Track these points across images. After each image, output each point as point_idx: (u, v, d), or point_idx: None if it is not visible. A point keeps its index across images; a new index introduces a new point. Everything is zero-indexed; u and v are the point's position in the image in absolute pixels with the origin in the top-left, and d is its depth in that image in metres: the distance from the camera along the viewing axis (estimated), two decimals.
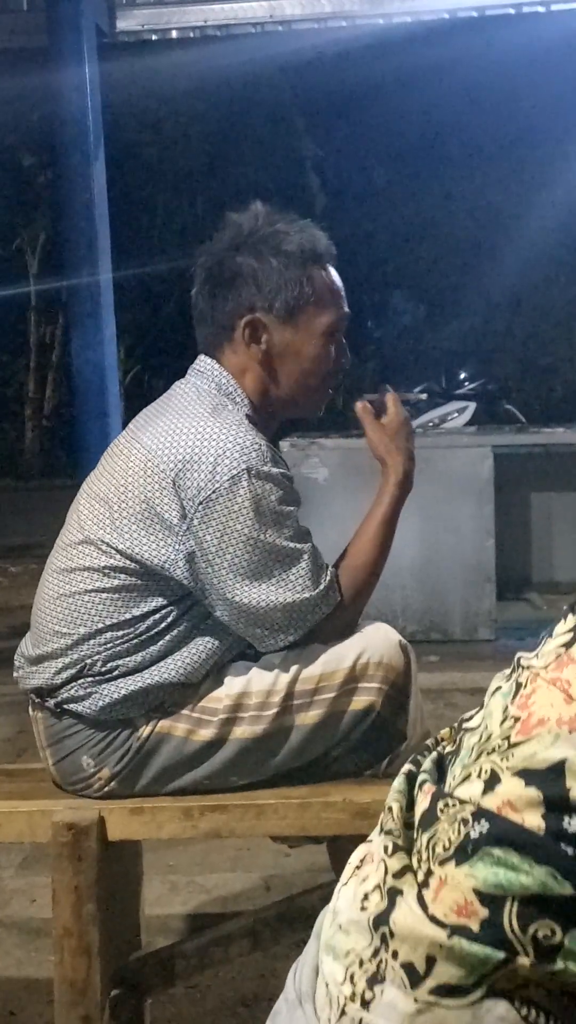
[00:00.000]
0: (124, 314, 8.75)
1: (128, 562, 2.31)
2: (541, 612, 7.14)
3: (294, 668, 2.35)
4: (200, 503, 2.25)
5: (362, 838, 2.14)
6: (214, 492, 2.24)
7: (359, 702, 2.35)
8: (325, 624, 2.35)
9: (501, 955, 1.03)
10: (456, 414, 10.51)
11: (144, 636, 2.32)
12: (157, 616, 2.33)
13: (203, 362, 2.47)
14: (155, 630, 2.33)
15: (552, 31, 7.97)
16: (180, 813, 2.32)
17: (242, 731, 2.34)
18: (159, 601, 2.33)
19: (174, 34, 7.87)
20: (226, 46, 8.13)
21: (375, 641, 2.39)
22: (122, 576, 2.32)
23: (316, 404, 2.56)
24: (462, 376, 11.39)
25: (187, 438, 2.30)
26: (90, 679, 2.33)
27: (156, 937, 2.91)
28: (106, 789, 2.36)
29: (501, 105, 15.92)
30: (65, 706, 2.36)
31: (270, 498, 2.28)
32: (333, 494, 6.62)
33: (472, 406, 10.69)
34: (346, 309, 2.52)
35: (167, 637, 2.33)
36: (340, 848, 2.33)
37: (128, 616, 2.33)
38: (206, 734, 2.34)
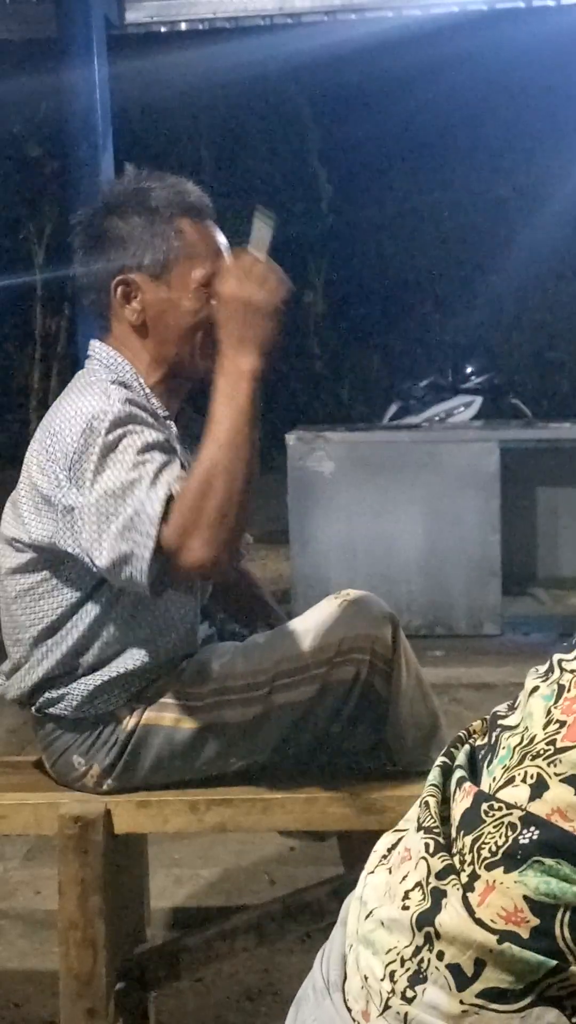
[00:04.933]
0: None
1: (38, 554, 2.30)
2: (546, 607, 7.14)
3: (281, 648, 2.34)
4: (65, 469, 2.19)
5: (369, 833, 2.15)
6: (74, 453, 2.17)
7: (347, 672, 2.33)
8: (171, 534, 2.08)
9: (553, 963, 1.02)
10: (462, 408, 10.49)
11: (89, 628, 2.31)
12: (88, 605, 2.31)
13: (92, 347, 2.43)
14: (94, 620, 2.31)
15: (562, 25, 7.93)
16: (186, 807, 2.32)
17: (232, 714, 2.33)
18: (83, 591, 2.31)
19: (183, 26, 7.84)
20: (235, 39, 8.11)
21: (364, 613, 2.37)
22: (42, 571, 2.31)
23: (209, 362, 2.32)
24: (469, 370, 11.36)
25: (53, 416, 2.30)
26: (58, 680, 2.33)
27: (161, 930, 2.92)
28: (104, 786, 2.36)
29: (510, 99, 15.87)
30: (45, 710, 2.37)
31: (117, 434, 2.16)
32: (338, 487, 6.62)
33: (479, 400, 10.67)
34: (224, 261, 2.38)
35: (112, 625, 2.31)
36: (352, 842, 2.32)
37: (62, 611, 2.32)
38: (195, 721, 2.33)
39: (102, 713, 2.33)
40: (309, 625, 2.36)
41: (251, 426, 2.17)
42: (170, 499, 2.10)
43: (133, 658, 2.31)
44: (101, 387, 2.28)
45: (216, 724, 2.33)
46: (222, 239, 2.43)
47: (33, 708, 2.39)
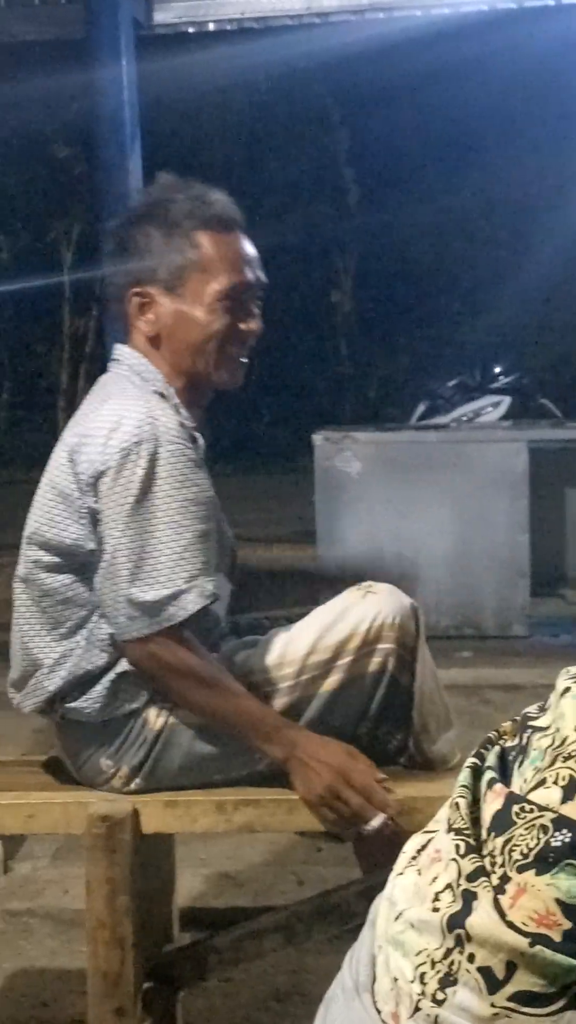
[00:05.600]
0: None
1: (60, 556, 2.32)
2: (575, 608, 7.11)
3: (306, 640, 2.34)
4: (92, 477, 2.24)
5: (393, 835, 2.14)
6: (104, 465, 2.23)
7: (375, 663, 2.32)
8: (141, 644, 2.24)
9: None
10: (491, 408, 10.47)
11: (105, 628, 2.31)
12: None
13: (116, 350, 2.45)
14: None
15: None
16: (213, 807, 2.32)
17: None
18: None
19: (211, 27, 7.85)
20: (263, 39, 8.12)
21: (389, 603, 2.35)
22: (65, 573, 2.33)
23: (227, 374, 2.42)
24: (497, 370, 11.34)
25: (85, 418, 2.33)
26: (79, 683, 2.32)
27: (188, 930, 2.91)
28: (132, 786, 2.35)
29: (539, 98, 15.82)
30: (69, 716, 2.37)
31: (164, 471, 2.22)
32: (366, 487, 6.61)
33: (507, 400, 10.65)
34: (249, 275, 2.41)
35: None
36: (367, 847, 2.31)
37: (84, 612, 2.33)
38: None
39: (128, 712, 2.33)
40: (334, 616, 2.35)
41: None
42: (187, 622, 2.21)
43: None
44: (143, 399, 2.30)
45: None
46: (248, 251, 2.42)
47: (57, 715, 2.39)
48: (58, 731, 2.44)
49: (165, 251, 2.36)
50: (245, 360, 2.45)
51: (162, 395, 2.35)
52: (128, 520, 2.22)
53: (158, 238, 2.37)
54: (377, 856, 2.23)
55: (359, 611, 2.34)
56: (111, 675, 2.31)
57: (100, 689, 2.31)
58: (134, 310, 2.40)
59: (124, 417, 2.25)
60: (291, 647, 2.34)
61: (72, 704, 2.34)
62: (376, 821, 2.20)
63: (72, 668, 2.32)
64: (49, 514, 2.32)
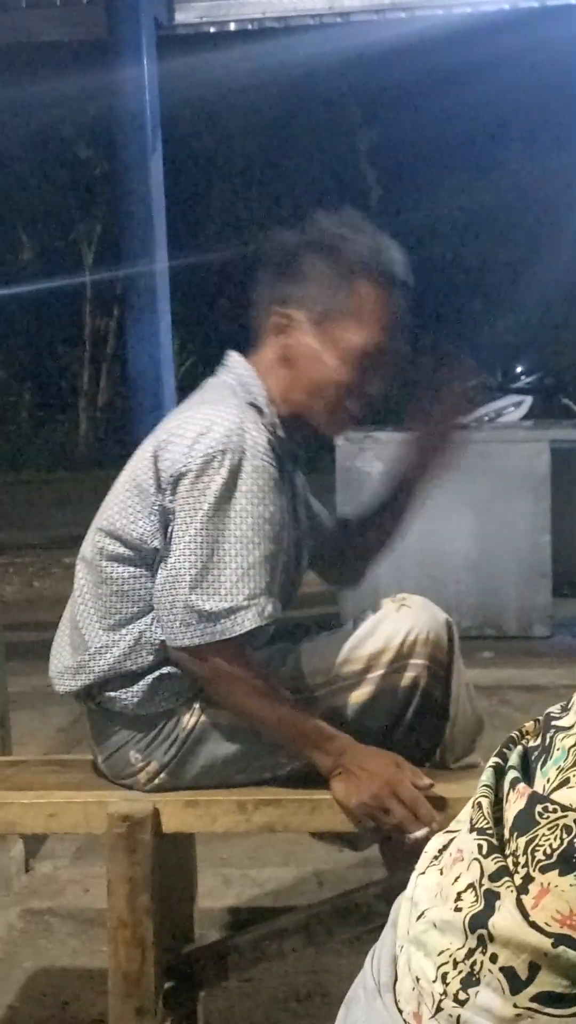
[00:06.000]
0: (179, 306, 8.77)
1: (122, 547, 2.32)
2: None
3: (340, 651, 2.33)
4: (172, 476, 2.24)
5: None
6: (185, 467, 2.23)
7: (407, 678, 2.32)
8: (193, 655, 2.24)
9: None
10: (512, 408, 10.42)
11: (158, 633, 2.31)
12: None
13: (228, 357, 2.44)
14: None
15: None
16: (234, 806, 2.31)
17: None
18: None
19: (232, 26, 7.87)
20: (284, 38, 8.13)
21: (423, 618, 2.34)
22: (134, 566, 2.33)
23: (330, 423, 2.42)
24: (519, 370, 11.35)
25: (179, 417, 2.33)
26: (122, 675, 2.33)
27: (209, 930, 2.91)
28: (155, 782, 2.35)
29: (561, 97, 15.78)
30: (106, 706, 2.37)
31: (244, 486, 2.22)
32: None
33: (529, 400, 10.60)
34: (394, 342, 2.39)
35: None
36: (392, 846, 2.31)
37: (141, 606, 2.33)
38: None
39: (164, 710, 2.33)
40: (369, 629, 2.35)
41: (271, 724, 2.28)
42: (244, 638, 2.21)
43: None
44: (239, 410, 2.28)
45: None
46: (403, 317, 2.40)
47: (94, 702, 2.39)
48: (90, 717, 2.44)
49: (325, 286, 2.33)
50: (355, 418, 2.43)
51: (260, 410, 2.33)
52: (200, 527, 2.21)
53: (323, 271, 2.33)
54: (405, 858, 2.23)
55: (392, 624, 2.34)
56: (155, 674, 2.31)
57: (141, 685, 2.31)
58: (271, 328, 2.38)
59: (215, 423, 2.24)
60: (324, 657, 2.34)
61: (111, 694, 2.34)
62: (419, 833, 2.19)
63: (116, 663, 2.32)
64: (123, 504, 2.32)
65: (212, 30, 7.97)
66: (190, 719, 2.33)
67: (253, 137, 19.14)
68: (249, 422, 2.26)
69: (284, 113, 18.48)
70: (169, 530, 2.26)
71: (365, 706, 2.32)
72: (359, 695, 2.32)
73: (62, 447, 22.74)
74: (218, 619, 2.19)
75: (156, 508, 2.28)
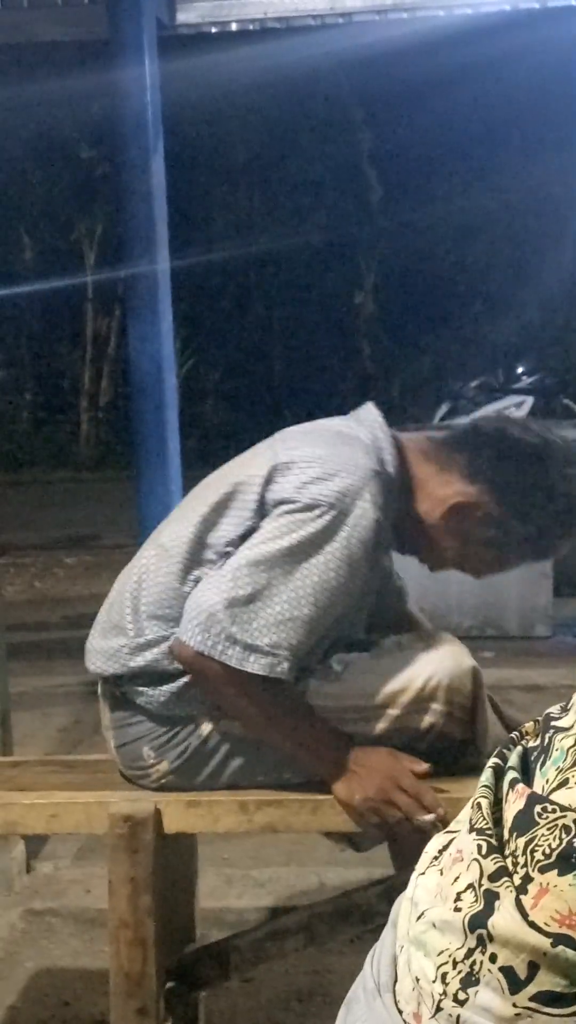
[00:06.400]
0: (181, 306, 8.78)
1: (198, 547, 2.30)
2: None
3: (361, 679, 2.32)
4: (275, 501, 2.23)
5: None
6: (291, 498, 2.21)
7: (425, 721, 2.31)
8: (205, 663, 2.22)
9: None
10: (513, 408, 10.45)
11: None
12: None
13: (367, 410, 2.40)
14: None
15: None
16: (236, 807, 2.32)
17: None
18: None
19: (234, 27, 7.86)
20: (286, 39, 8.13)
21: (447, 664, 2.32)
22: (194, 567, 2.31)
23: (430, 555, 2.47)
24: (520, 370, 11.35)
25: (307, 446, 2.30)
26: (156, 673, 2.32)
27: (211, 930, 2.92)
28: (163, 782, 2.36)
29: (562, 98, 15.78)
30: (131, 697, 2.36)
31: (329, 547, 2.20)
32: None
33: (530, 400, 10.64)
34: (519, 558, 2.42)
35: None
36: (401, 843, 2.31)
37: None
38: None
39: (184, 714, 2.33)
40: (392, 665, 2.33)
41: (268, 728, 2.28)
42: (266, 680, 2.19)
43: None
44: (367, 472, 2.25)
45: None
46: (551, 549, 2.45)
47: (119, 690, 2.38)
48: (111, 703, 2.42)
49: (515, 500, 2.32)
50: (431, 568, 2.49)
51: (390, 475, 2.30)
52: (269, 557, 2.19)
53: (533, 496, 2.32)
54: (413, 853, 2.22)
55: (416, 666, 2.32)
56: (187, 678, 2.30)
57: (171, 687, 2.31)
58: (448, 482, 2.36)
59: (339, 475, 2.22)
60: (344, 684, 2.33)
61: (139, 688, 2.34)
62: (427, 818, 2.20)
63: (154, 660, 2.30)
64: (217, 506, 2.30)
65: (214, 30, 7.96)
66: (207, 728, 2.33)
67: (254, 137, 19.14)
68: (370, 491, 2.23)
69: (285, 113, 18.48)
70: (244, 541, 2.25)
71: (377, 738, 2.31)
72: (372, 728, 2.30)
73: (63, 447, 22.76)
74: (233, 644, 2.17)
75: (247, 522, 2.26)
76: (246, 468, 2.33)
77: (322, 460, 2.25)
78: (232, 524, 2.28)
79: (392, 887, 2.32)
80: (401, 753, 2.26)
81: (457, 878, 1.11)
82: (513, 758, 1.19)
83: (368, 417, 2.38)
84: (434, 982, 1.09)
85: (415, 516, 2.37)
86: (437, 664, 2.32)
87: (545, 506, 2.32)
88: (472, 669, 2.35)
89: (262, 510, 2.25)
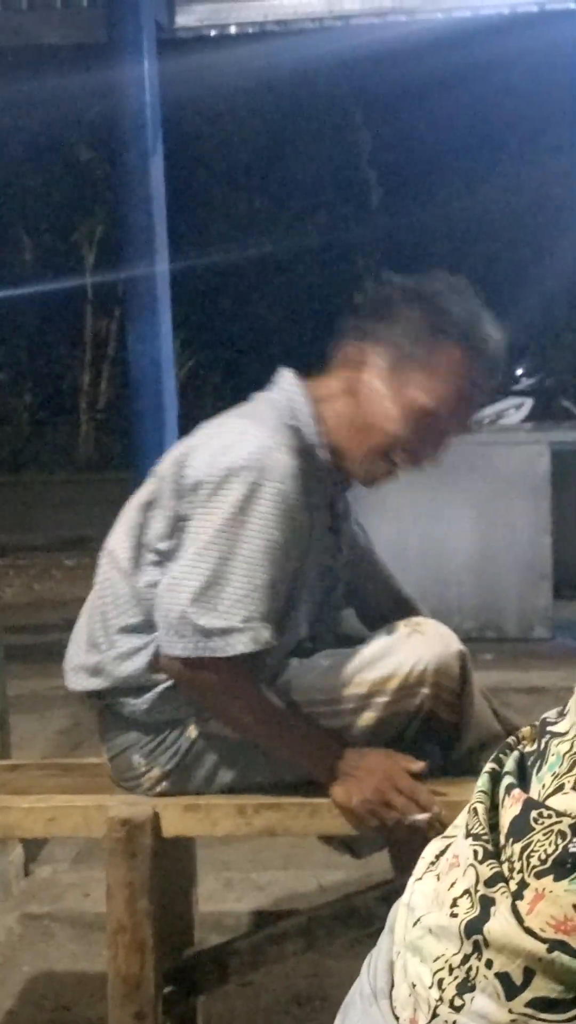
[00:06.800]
0: (180, 308, 8.78)
1: (139, 548, 2.32)
2: None
3: (346, 674, 2.31)
4: (191, 484, 2.23)
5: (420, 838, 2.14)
6: (205, 477, 2.22)
7: (412, 705, 2.30)
8: (188, 669, 2.23)
9: None
10: (513, 410, 10.44)
11: None
12: None
13: (282, 376, 2.41)
14: None
15: None
16: (234, 810, 2.32)
17: None
18: None
19: (233, 30, 7.86)
20: (285, 41, 8.13)
21: (434, 648, 2.31)
22: (142, 566, 2.32)
23: (370, 473, 2.39)
24: (519, 372, 11.32)
25: (211, 426, 2.34)
26: (137, 682, 2.32)
27: (209, 934, 2.91)
28: (158, 788, 2.35)
29: (561, 99, 15.81)
30: (116, 708, 2.36)
31: (260, 507, 2.19)
32: (388, 489, 6.53)
33: (529, 402, 10.62)
34: (460, 416, 2.35)
35: None
36: (400, 845, 2.31)
37: (143, 615, 2.32)
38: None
39: (170, 719, 2.33)
40: (377, 653, 2.32)
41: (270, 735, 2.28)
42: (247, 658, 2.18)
43: None
44: (273, 426, 2.26)
45: None
46: (479, 397, 2.39)
47: (103, 702, 2.39)
48: (100, 716, 2.43)
49: (411, 337, 2.29)
50: (394, 476, 2.42)
51: (300, 433, 2.30)
52: (209, 540, 2.19)
53: (415, 322, 2.30)
54: (414, 857, 2.22)
55: (403, 652, 2.31)
56: (168, 684, 2.30)
57: (153, 694, 2.31)
58: (343, 359, 2.35)
59: (244, 439, 2.23)
60: (330, 676, 2.32)
61: (121, 699, 2.34)
62: (422, 817, 2.20)
63: (129, 677, 2.31)
64: (144, 503, 2.33)
65: (213, 33, 7.96)
66: (195, 730, 2.33)
67: (254, 139, 19.15)
68: (280, 444, 2.23)
69: (285, 116, 18.49)
70: (180, 537, 2.26)
71: (368, 730, 2.31)
72: (364, 719, 2.30)
73: (63, 449, 22.75)
74: (211, 636, 2.17)
75: (170, 512, 2.27)
76: (161, 465, 2.34)
77: (225, 431, 2.28)
78: (159, 520, 2.30)
79: (391, 891, 2.32)
80: (396, 753, 2.26)
81: (453, 883, 1.11)
82: (510, 763, 1.18)
83: (281, 379, 2.40)
84: (430, 988, 1.08)
85: (339, 436, 2.34)
86: (424, 649, 2.31)
87: (469, 328, 2.32)
88: (459, 652, 2.33)
89: (180, 495, 2.25)
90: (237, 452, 2.21)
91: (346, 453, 2.35)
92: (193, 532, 2.22)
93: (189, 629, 2.18)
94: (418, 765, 2.24)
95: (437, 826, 2.15)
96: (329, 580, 2.45)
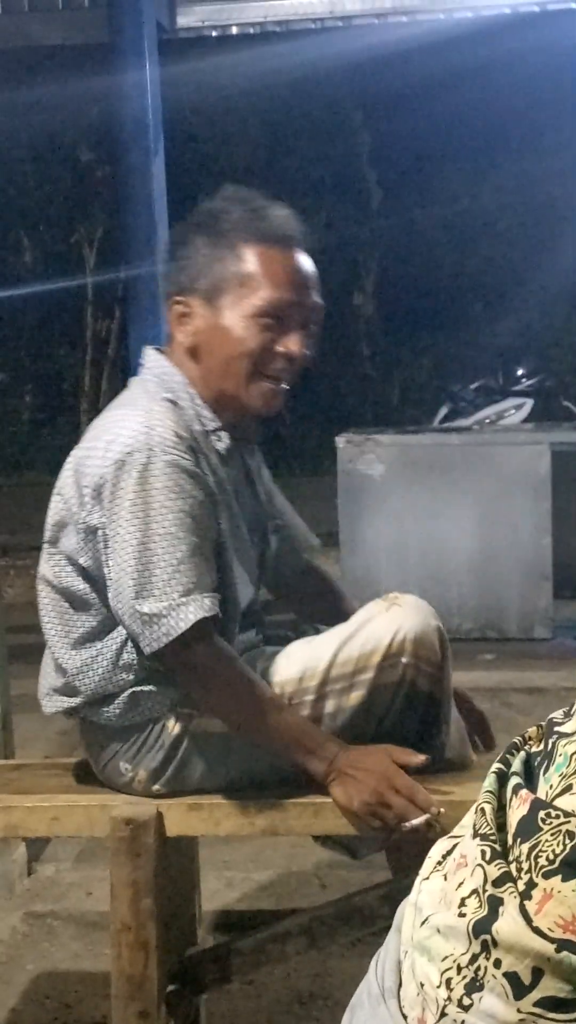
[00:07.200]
0: None
1: (68, 563, 2.33)
2: None
3: (327, 653, 2.31)
4: (93, 490, 2.24)
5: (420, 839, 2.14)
6: (102, 478, 2.22)
7: (396, 675, 2.29)
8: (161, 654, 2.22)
9: None
10: (513, 411, 10.46)
11: (127, 640, 2.30)
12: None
13: (146, 355, 2.42)
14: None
15: None
16: (237, 810, 2.32)
17: None
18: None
19: (234, 30, 7.88)
20: (286, 42, 8.14)
21: (412, 619, 2.32)
22: (76, 578, 2.33)
23: (258, 399, 2.34)
24: (519, 372, 11.33)
25: (93, 428, 2.34)
26: (103, 692, 2.32)
27: (212, 933, 2.92)
28: (153, 789, 2.35)
29: (562, 100, 15.80)
30: (92, 718, 2.37)
31: (158, 483, 2.20)
32: (389, 490, 6.61)
33: (529, 402, 10.64)
34: (294, 294, 2.30)
35: None
36: (400, 849, 2.31)
37: (101, 619, 2.32)
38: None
39: (147, 719, 2.33)
40: (355, 629, 2.33)
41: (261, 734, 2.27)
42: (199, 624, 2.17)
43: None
44: (147, 406, 2.29)
45: None
46: (299, 269, 2.33)
47: (79, 717, 2.40)
48: (81, 731, 2.45)
49: (208, 262, 2.30)
50: (283, 387, 2.37)
51: (174, 402, 2.31)
52: (124, 532, 2.20)
53: (204, 248, 2.31)
54: (411, 858, 2.22)
55: (382, 624, 2.32)
56: (133, 689, 2.31)
57: (121, 700, 2.31)
58: (174, 318, 2.36)
59: (122, 428, 2.24)
60: (313, 660, 2.32)
61: (96, 709, 2.34)
62: (419, 820, 2.19)
63: (96, 687, 2.31)
64: (56, 520, 2.34)
65: (214, 34, 7.99)
66: (175, 726, 2.32)
67: (254, 140, 19.13)
68: (156, 418, 2.25)
69: (285, 116, 18.48)
70: (97, 547, 2.26)
71: (358, 709, 2.31)
72: (353, 698, 2.30)
73: (63, 449, 22.60)
74: (160, 620, 2.17)
75: (81, 524, 2.27)
76: (61, 483, 2.35)
77: (104, 428, 2.29)
78: (72, 536, 2.30)
79: (393, 890, 2.32)
80: (396, 749, 2.25)
81: (461, 883, 1.12)
82: (517, 763, 1.19)
83: (146, 358, 2.41)
84: (438, 987, 1.09)
85: (217, 395, 2.36)
86: (402, 620, 2.31)
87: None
88: (437, 628, 2.34)
89: (85, 505, 2.26)
90: (122, 441, 2.22)
91: (226, 399, 2.36)
92: (110, 533, 2.22)
93: (140, 623, 2.19)
94: (418, 759, 2.23)
95: (435, 826, 2.15)
96: (260, 537, 2.48)
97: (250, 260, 2.29)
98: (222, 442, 2.36)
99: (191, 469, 2.24)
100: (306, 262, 2.35)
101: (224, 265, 2.30)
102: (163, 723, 2.32)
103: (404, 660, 2.29)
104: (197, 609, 2.17)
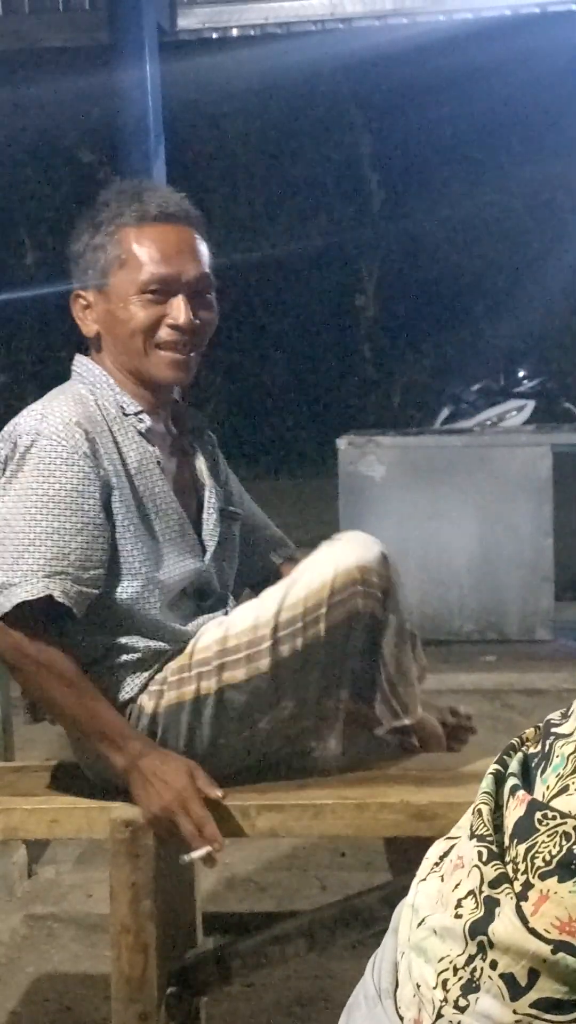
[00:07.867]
0: None
1: None
2: None
3: (277, 599, 2.30)
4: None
5: (420, 839, 2.14)
6: (5, 462, 2.29)
7: (349, 606, 2.28)
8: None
9: None
10: (515, 412, 10.45)
11: (87, 626, 2.30)
12: None
13: (76, 361, 2.49)
14: (88, 617, 2.29)
15: None
16: (237, 812, 2.32)
17: (240, 672, 2.29)
18: None
19: (235, 32, 7.88)
20: (287, 44, 8.13)
21: (355, 548, 2.33)
22: None
23: (163, 370, 2.39)
24: (521, 374, 11.32)
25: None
26: None
27: (212, 935, 2.91)
28: None
29: (562, 101, 15.81)
30: None
31: (33, 461, 2.24)
32: (390, 492, 6.61)
33: (531, 404, 10.63)
34: (172, 267, 2.38)
35: (107, 617, 2.31)
36: (399, 848, 2.31)
37: None
38: (210, 687, 2.29)
39: (120, 704, 2.31)
40: (300, 572, 2.33)
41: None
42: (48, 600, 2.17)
43: (135, 645, 2.31)
44: (52, 397, 2.37)
45: (229, 685, 2.29)
46: (176, 242, 2.40)
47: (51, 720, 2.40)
48: (59, 731, 2.45)
49: (95, 253, 2.40)
50: (184, 355, 2.41)
51: (93, 390, 2.39)
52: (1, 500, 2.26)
53: (88, 241, 2.42)
54: (409, 861, 2.21)
55: (323, 560, 2.32)
56: (98, 668, 2.30)
57: None
58: (77, 313, 2.47)
59: (23, 416, 2.32)
60: (263, 608, 2.31)
61: None
62: (198, 853, 2.20)
63: None
64: None
65: (214, 36, 7.98)
66: (149, 704, 2.32)
67: (255, 142, 19.13)
68: (51, 407, 2.31)
69: (286, 118, 18.48)
70: None
71: (319, 648, 2.29)
72: (309, 637, 2.28)
73: None
74: None
75: None
76: None
77: (19, 418, 2.34)
78: None
79: (393, 892, 2.32)
80: (200, 772, 2.24)
81: (458, 884, 1.12)
82: (514, 764, 1.19)
83: (76, 364, 2.48)
84: (435, 988, 1.09)
85: (122, 368, 2.42)
86: (342, 552, 2.33)
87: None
88: (381, 554, 2.33)
89: None
90: (16, 423, 2.31)
91: (138, 377, 2.42)
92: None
93: None
94: (215, 793, 2.23)
95: (211, 861, 2.21)
96: (219, 515, 2.48)
97: (126, 242, 2.38)
98: (143, 423, 2.39)
99: (79, 450, 2.26)
100: (182, 233, 2.42)
101: (106, 252, 2.39)
102: (139, 704, 2.31)
103: (353, 589, 2.28)
104: (26, 592, 2.17)
